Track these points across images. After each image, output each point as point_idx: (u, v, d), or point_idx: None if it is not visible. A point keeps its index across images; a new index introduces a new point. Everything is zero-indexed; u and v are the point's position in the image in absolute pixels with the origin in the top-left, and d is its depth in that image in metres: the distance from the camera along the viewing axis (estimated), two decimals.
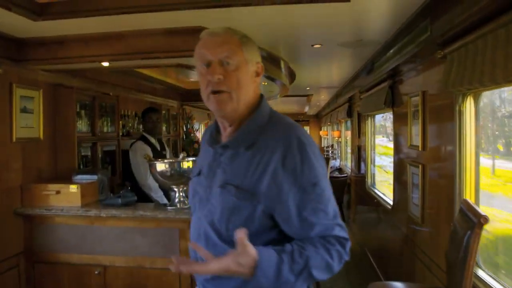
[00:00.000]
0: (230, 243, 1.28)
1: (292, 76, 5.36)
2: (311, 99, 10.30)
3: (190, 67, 3.70)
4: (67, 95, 4.03)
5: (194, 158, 3.43)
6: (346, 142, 10.51)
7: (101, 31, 3.06)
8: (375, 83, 5.25)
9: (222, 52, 1.38)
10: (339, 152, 12.47)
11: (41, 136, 3.81)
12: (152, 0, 2.56)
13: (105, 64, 3.40)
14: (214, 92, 1.38)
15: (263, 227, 1.36)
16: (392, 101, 4.67)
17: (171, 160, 3.44)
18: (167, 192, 4.41)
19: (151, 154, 4.37)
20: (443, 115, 3.21)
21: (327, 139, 17.28)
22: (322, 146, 17.45)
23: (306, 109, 15.19)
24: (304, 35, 3.54)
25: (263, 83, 5.29)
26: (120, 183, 4.93)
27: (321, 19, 2.98)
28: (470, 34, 2.45)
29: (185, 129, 7.63)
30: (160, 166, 3.29)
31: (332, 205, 1.38)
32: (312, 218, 1.33)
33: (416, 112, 3.75)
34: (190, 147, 7.36)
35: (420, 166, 3.58)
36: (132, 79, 5.45)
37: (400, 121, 4.47)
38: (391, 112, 4.85)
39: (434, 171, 3.38)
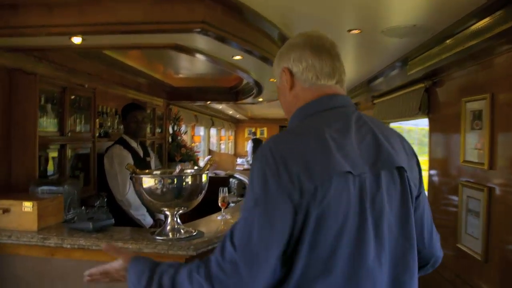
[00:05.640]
0: None
1: None
2: None
3: (190, 51, 2.83)
4: (28, 84, 3.11)
5: (193, 171, 2.57)
6: None
7: None
8: (402, 84, 4.47)
9: None
10: None
11: None
12: None
13: (77, 40, 2.51)
14: None
15: None
16: (428, 106, 3.89)
17: (164, 173, 2.57)
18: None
19: (131, 162, 3.48)
20: None
21: None
22: None
23: None
24: (342, 15, 2.69)
25: (271, 79, 4.44)
26: (95, 194, 4.02)
27: None
28: None
29: (171, 132, 6.73)
30: (148, 181, 2.41)
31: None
32: None
33: (475, 119, 2.97)
34: (177, 152, 6.47)
35: (485, 189, 2.78)
36: (113, 70, 4.57)
37: (442, 130, 3.68)
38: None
39: (510, 195, 2.59)
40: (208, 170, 2.60)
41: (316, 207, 1.07)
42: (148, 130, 5.57)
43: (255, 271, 1.08)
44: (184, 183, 2.42)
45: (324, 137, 1.15)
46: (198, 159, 6.89)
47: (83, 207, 2.81)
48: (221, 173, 8.68)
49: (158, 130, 6.13)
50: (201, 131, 11.35)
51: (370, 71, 4.65)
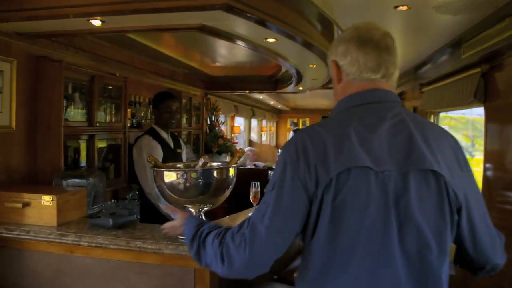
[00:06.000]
0: None
1: None
2: None
3: (218, 33, 2.60)
4: (53, 71, 2.98)
5: (219, 164, 2.36)
6: None
7: None
8: (455, 70, 4.08)
9: None
10: None
11: (13, 125, 2.80)
12: None
13: (96, 22, 2.34)
14: None
15: None
16: (485, 94, 3.51)
17: (187, 167, 2.36)
18: None
19: (161, 154, 3.32)
20: None
21: None
22: None
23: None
24: None
25: (310, 65, 4.17)
26: (126, 187, 3.90)
27: None
28: None
29: (209, 122, 6.56)
30: (170, 175, 2.21)
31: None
32: None
33: None
34: (214, 143, 6.30)
35: None
36: (146, 59, 4.43)
37: (501, 120, 3.30)
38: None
39: None
40: (236, 163, 2.37)
41: (331, 198, 1.13)
42: (184, 120, 5.43)
43: (256, 250, 1.20)
44: (209, 178, 2.20)
45: (348, 131, 1.18)
46: (236, 150, 6.69)
47: (113, 200, 2.67)
48: (261, 164, 8.48)
49: (195, 120, 5.97)
50: (241, 121, 11.17)
51: (418, 56, 4.28)
